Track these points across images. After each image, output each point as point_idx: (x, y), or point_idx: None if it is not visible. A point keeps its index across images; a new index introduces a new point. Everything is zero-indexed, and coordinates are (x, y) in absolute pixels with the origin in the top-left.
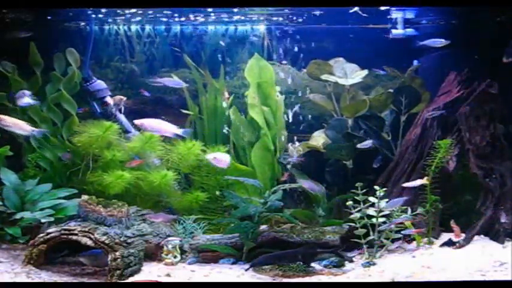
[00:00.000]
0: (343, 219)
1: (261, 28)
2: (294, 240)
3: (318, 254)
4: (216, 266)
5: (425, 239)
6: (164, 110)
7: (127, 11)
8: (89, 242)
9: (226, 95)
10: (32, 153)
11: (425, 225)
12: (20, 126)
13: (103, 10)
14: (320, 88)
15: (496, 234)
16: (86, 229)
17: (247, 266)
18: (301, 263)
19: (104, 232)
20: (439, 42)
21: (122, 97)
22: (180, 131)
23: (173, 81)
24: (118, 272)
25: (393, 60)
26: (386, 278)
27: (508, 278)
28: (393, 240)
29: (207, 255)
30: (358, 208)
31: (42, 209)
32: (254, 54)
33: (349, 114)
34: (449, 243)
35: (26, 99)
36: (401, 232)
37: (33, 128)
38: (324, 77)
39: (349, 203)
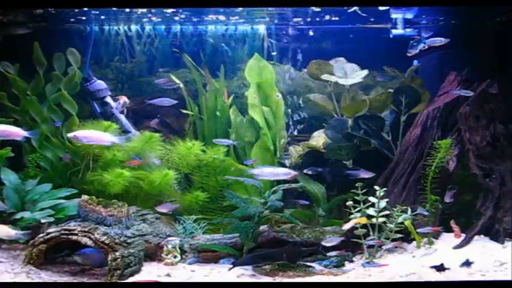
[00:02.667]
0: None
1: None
2: (294, 240)
3: (303, 253)
4: (216, 266)
5: (425, 239)
6: (164, 110)
7: (127, 11)
8: (89, 242)
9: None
10: (33, 153)
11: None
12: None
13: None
14: (320, 88)
15: (496, 234)
16: (86, 229)
17: (246, 266)
18: (286, 262)
19: (104, 232)
20: (439, 41)
21: (125, 99)
22: (116, 139)
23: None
24: (118, 272)
25: (393, 60)
26: (386, 278)
27: (508, 278)
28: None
29: (207, 255)
30: (358, 208)
31: (42, 209)
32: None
33: (349, 114)
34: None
35: None
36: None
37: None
38: (324, 77)
39: (349, 203)
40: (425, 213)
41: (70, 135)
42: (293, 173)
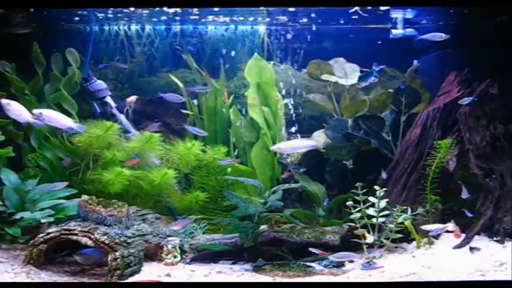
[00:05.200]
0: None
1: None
2: (294, 240)
3: (266, 253)
4: (216, 266)
5: (426, 239)
6: (164, 110)
7: (126, 10)
8: (89, 242)
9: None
10: (32, 153)
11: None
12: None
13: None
14: (320, 88)
15: (496, 234)
16: (86, 229)
17: (247, 266)
18: (247, 261)
19: (104, 232)
20: (439, 36)
21: (131, 98)
22: (75, 125)
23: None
24: (118, 272)
25: (393, 60)
26: (386, 278)
27: (508, 278)
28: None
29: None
30: (358, 208)
31: (42, 209)
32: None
33: (349, 114)
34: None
35: None
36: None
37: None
38: (324, 77)
39: (349, 203)
40: (470, 214)
41: (35, 111)
42: (316, 143)
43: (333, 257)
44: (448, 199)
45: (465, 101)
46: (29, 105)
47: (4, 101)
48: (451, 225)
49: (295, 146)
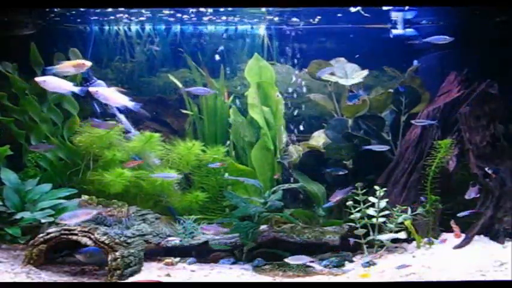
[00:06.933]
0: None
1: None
2: (294, 240)
3: (213, 252)
4: (216, 266)
5: (425, 239)
6: (164, 110)
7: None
8: (89, 242)
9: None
10: (33, 152)
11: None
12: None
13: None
14: (321, 88)
15: (496, 234)
16: (86, 229)
17: (247, 265)
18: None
19: (104, 232)
20: (443, 39)
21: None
22: (131, 104)
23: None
24: (118, 272)
25: (393, 60)
26: (386, 278)
27: (508, 278)
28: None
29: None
30: (358, 208)
31: (42, 209)
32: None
33: (349, 114)
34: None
35: None
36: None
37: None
38: (325, 77)
39: (349, 203)
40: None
41: (92, 89)
42: (95, 211)
43: (290, 260)
44: (448, 199)
45: (425, 122)
46: (30, 105)
47: (39, 78)
48: (402, 234)
49: (78, 216)
